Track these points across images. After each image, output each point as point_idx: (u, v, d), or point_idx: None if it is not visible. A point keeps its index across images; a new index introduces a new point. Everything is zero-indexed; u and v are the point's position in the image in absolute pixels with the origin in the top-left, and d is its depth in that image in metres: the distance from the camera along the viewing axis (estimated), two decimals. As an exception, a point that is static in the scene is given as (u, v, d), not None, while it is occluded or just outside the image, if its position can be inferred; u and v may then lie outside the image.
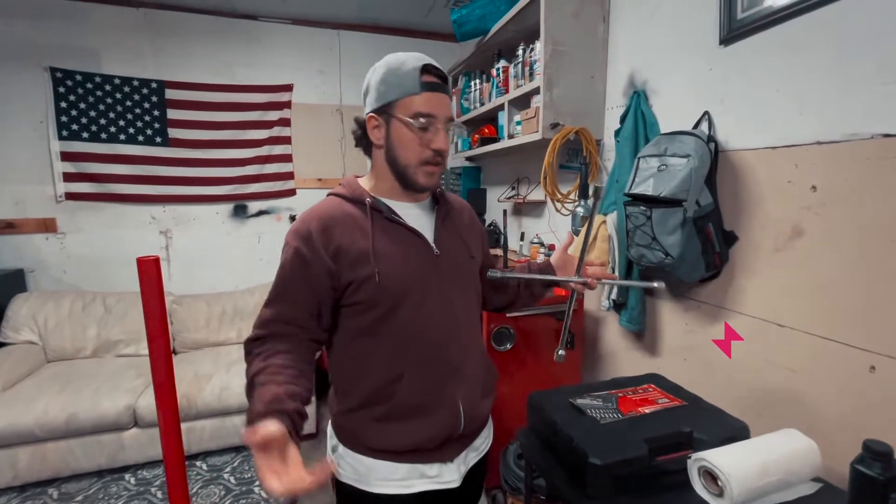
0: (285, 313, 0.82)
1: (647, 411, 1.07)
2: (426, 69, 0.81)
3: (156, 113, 2.79)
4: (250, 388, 0.75)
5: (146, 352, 2.58)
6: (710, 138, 1.26)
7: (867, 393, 0.97)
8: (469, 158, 2.94)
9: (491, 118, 2.50)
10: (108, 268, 2.83)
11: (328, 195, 0.91)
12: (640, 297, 1.56)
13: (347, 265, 0.81)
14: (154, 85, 2.77)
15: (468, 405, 0.89)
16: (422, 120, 0.80)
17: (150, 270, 0.90)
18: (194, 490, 2.02)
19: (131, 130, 2.76)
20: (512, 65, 2.09)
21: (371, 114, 0.84)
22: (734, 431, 1.01)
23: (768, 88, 1.15)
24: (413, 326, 0.84)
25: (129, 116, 2.75)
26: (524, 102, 2.02)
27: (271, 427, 0.62)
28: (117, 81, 2.70)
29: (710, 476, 0.89)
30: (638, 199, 1.31)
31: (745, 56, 1.21)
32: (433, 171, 0.84)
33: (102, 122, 2.70)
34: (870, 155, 0.94)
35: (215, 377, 2.32)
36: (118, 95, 2.72)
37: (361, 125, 0.87)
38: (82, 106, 2.66)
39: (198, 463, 2.23)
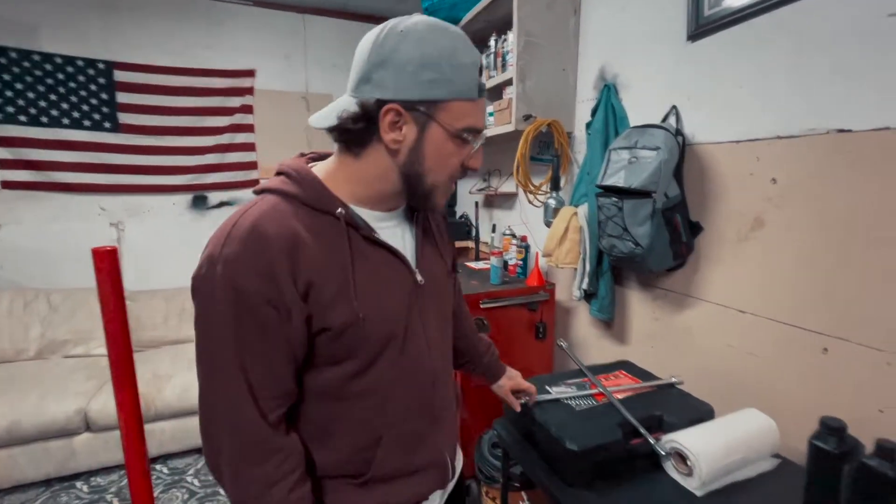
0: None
1: (619, 397, 1.10)
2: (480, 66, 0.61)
3: (104, 96, 2.60)
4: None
5: (98, 352, 2.48)
6: (678, 132, 1.30)
7: (820, 373, 1.04)
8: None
9: (462, 109, 2.48)
10: (52, 263, 2.62)
11: (265, 191, 0.63)
12: (611, 286, 1.60)
13: (320, 306, 0.58)
14: (101, 66, 2.58)
15: (452, 452, 0.79)
16: (470, 136, 0.62)
17: (106, 262, 0.83)
18: (155, 494, 1.92)
19: (76, 114, 2.56)
20: (483, 55, 2.08)
21: (394, 104, 0.57)
22: (700, 413, 1.06)
23: (733, 84, 1.20)
24: (393, 380, 0.66)
25: (74, 99, 2.54)
26: (496, 94, 2.01)
27: None
28: (59, 61, 2.49)
29: (679, 457, 0.93)
30: (609, 191, 1.34)
31: (711, 52, 1.25)
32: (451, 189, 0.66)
33: (42, 104, 2.49)
34: (826, 149, 0.99)
35: (176, 377, 2.21)
36: (60, 76, 2.50)
37: (369, 115, 0.58)
38: (19, 86, 2.44)
39: (157, 466, 2.12)
